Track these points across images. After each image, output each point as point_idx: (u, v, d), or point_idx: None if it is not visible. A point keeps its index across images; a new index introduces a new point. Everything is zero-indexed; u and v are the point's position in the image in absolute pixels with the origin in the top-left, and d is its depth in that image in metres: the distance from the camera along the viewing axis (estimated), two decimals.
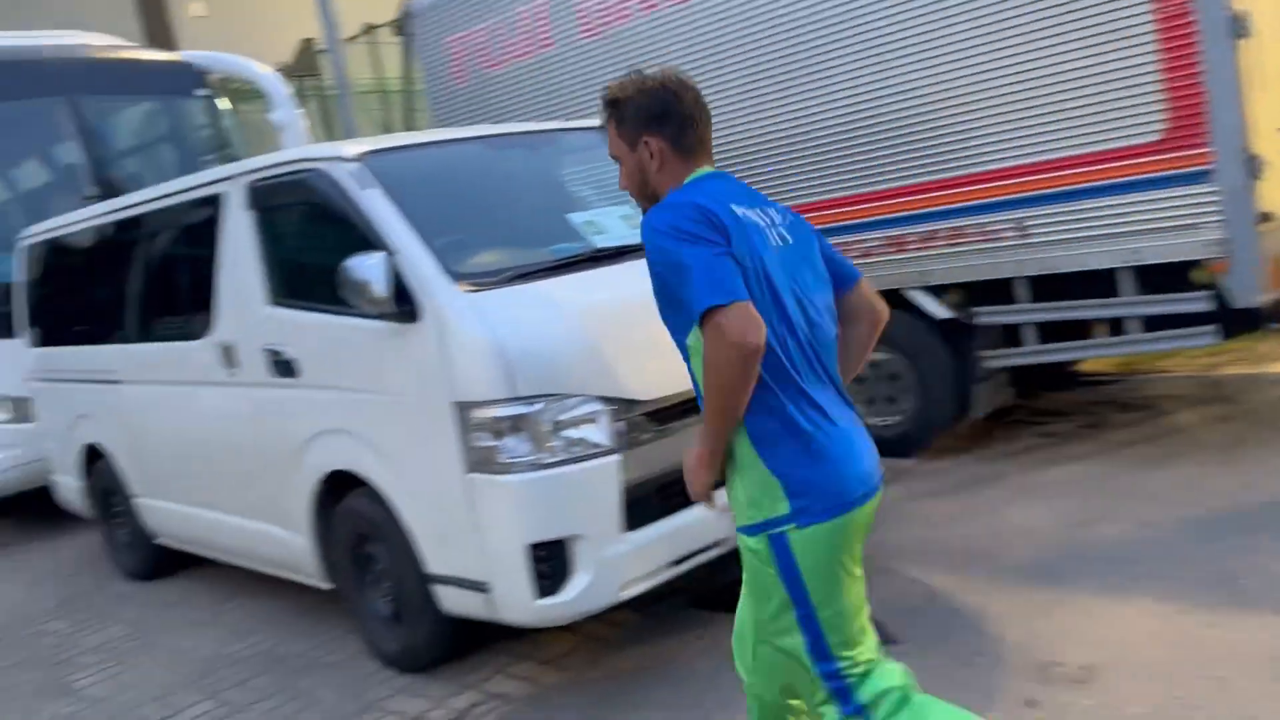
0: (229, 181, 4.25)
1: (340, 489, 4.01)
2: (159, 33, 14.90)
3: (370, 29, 12.92)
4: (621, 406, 3.45)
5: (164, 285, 4.84)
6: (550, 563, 3.38)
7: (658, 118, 2.22)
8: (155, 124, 8.22)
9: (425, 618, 3.77)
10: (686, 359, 2.18)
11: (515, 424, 3.33)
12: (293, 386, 4.03)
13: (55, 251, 5.97)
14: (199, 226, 4.52)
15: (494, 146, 4.25)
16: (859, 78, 5.32)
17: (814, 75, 5.48)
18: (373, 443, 3.73)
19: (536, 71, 6.76)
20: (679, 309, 2.06)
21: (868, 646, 2.19)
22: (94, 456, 5.72)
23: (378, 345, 3.61)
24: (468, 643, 3.91)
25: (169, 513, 5.16)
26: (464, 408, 3.38)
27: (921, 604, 3.84)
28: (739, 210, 2.12)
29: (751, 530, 2.13)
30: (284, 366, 4.04)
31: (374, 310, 3.49)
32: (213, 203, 4.36)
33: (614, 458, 3.42)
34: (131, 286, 5.08)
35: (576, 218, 3.95)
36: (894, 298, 5.33)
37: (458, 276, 3.49)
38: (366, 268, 3.43)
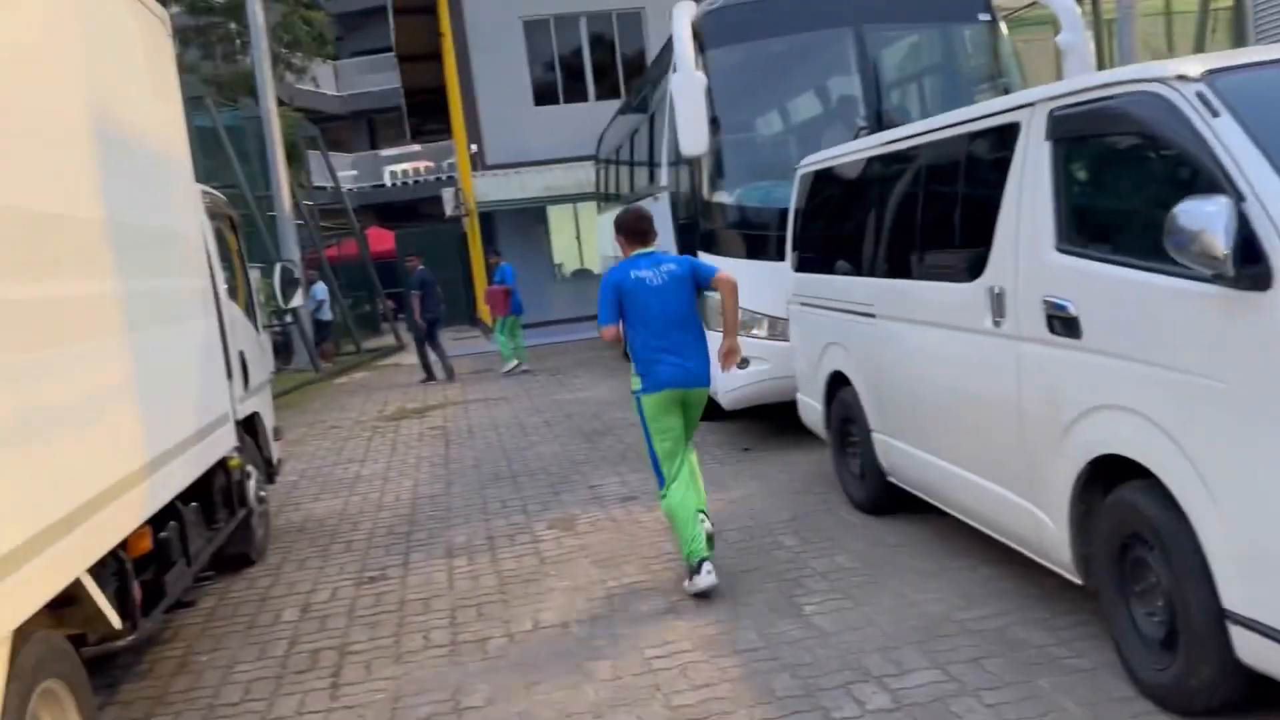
0: (1027, 109, 3.74)
1: (1110, 475, 3.38)
2: None
3: None
4: None
5: (933, 222, 4.56)
6: None
7: (619, 228, 5.07)
8: (930, 52, 8.06)
9: (1209, 658, 2.99)
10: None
11: None
12: (1071, 348, 3.46)
13: (825, 181, 6.10)
14: (983, 159, 4.13)
15: None
16: None
17: None
18: (1170, 431, 3.01)
19: None
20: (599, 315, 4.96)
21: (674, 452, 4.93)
22: (838, 384, 5.80)
23: (1203, 314, 2.85)
24: (1263, 693, 3.04)
25: (905, 454, 4.99)
26: None
27: None
28: (634, 272, 4.85)
29: (636, 392, 4.94)
30: (1064, 324, 3.48)
31: (1205, 270, 2.75)
32: (1004, 133, 3.90)
33: None
34: (897, 221, 4.91)
35: None
36: None
37: None
38: (1203, 215, 2.69)
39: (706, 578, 4.72)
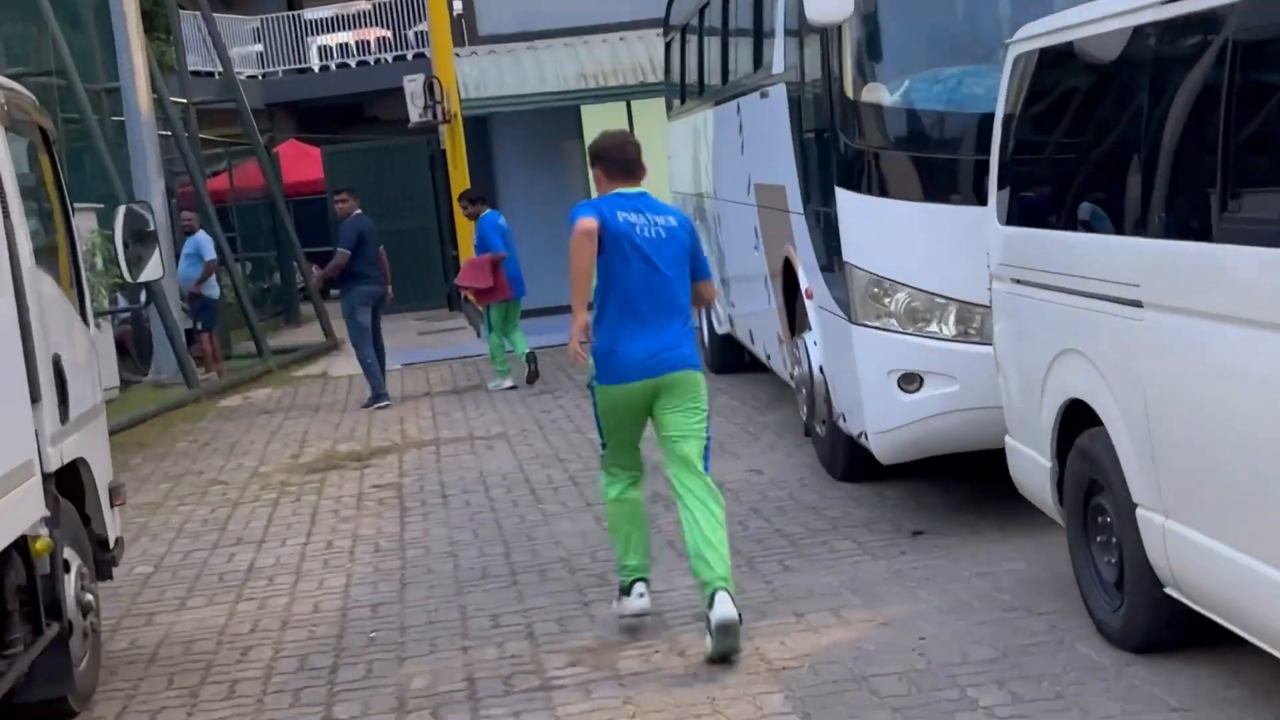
0: None
1: None
2: None
3: None
4: None
5: (1249, 142, 4.51)
6: None
7: (596, 155, 6.80)
8: None
9: None
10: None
11: None
12: None
13: (1058, 67, 6.11)
14: None
15: None
16: None
17: None
18: None
19: None
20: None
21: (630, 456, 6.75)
22: (1078, 423, 5.76)
23: None
24: None
25: (1200, 550, 4.90)
26: None
27: None
28: (620, 214, 6.33)
29: (591, 379, 6.71)
30: None
31: None
32: None
33: None
34: (1185, 139, 4.88)
35: None
36: None
37: None
38: None
39: (637, 600, 6.36)
